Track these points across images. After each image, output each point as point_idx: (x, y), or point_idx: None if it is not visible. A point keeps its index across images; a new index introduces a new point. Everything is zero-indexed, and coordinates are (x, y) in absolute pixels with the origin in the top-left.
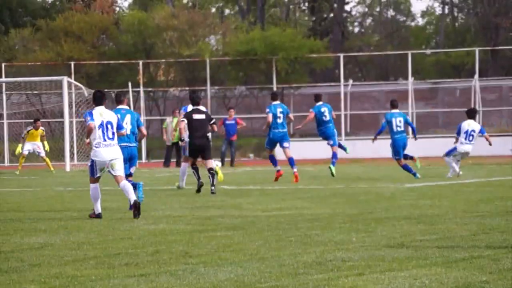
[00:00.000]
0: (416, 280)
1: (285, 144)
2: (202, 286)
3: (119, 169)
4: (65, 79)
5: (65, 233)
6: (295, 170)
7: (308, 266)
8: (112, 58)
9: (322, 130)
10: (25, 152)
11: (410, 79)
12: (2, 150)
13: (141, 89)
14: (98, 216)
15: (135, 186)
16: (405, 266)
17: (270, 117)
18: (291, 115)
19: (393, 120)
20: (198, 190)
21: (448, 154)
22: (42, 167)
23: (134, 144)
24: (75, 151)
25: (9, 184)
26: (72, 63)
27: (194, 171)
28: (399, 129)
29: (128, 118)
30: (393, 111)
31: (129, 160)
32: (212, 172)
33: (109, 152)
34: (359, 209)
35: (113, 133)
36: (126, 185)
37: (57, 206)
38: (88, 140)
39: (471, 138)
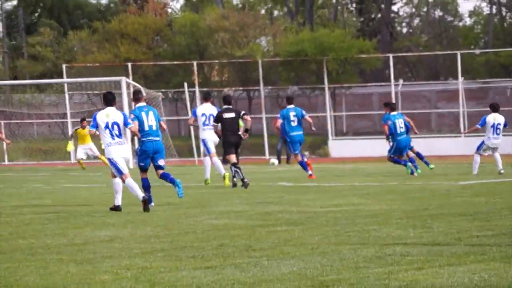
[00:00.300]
0: (475, 275)
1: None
2: (266, 278)
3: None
4: (123, 79)
5: (132, 226)
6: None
7: (368, 260)
8: (167, 59)
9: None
10: (80, 157)
11: (460, 79)
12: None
13: (197, 89)
14: (117, 208)
15: (174, 183)
16: (464, 261)
17: (279, 122)
18: (307, 117)
19: (396, 122)
20: (244, 186)
21: (478, 149)
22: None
23: (158, 138)
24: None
25: (77, 180)
26: (129, 64)
27: (237, 170)
28: (401, 130)
29: (151, 114)
30: (393, 113)
31: (154, 154)
32: (237, 166)
33: (120, 150)
34: (415, 206)
35: (119, 132)
36: (131, 183)
37: (123, 201)
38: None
39: (498, 131)
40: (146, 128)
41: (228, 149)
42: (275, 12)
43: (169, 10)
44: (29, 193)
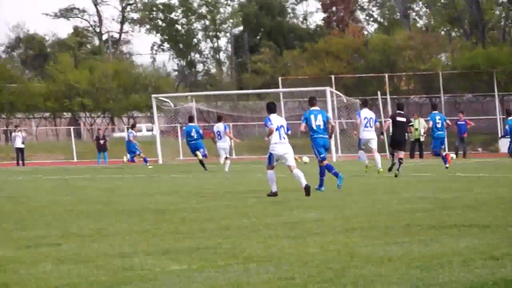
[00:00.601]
0: None
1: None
2: (446, 252)
3: (291, 160)
4: (327, 89)
5: (335, 209)
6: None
7: None
8: (363, 72)
9: None
10: None
11: None
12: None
13: (388, 96)
14: (275, 194)
15: (337, 175)
16: None
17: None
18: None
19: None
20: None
21: None
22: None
23: (326, 136)
24: (339, 145)
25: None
26: (333, 77)
27: (396, 161)
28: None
29: (319, 116)
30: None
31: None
32: (401, 161)
33: (283, 148)
34: None
35: (285, 134)
36: (298, 172)
37: (328, 188)
38: (267, 139)
39: None
40: (314, 127)
41: (393, 145)
42: (453, 33)
43: (365, 32)
44: (251, 182)
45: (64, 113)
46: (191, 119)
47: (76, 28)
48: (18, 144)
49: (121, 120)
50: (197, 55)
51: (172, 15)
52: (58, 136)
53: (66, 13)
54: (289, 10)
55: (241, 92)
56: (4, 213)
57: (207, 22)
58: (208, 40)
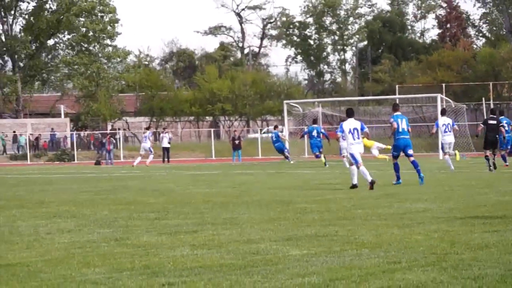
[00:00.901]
0: None
1: (409, 152)
2: None
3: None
4: (438, 96)
5: (439, 201)
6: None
7: None
8: (471, 80)
9: None
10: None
11: None
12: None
13: (491, 102)
14: (354, 186)
15: (419, 173)
16: None
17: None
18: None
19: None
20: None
21: None
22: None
23: (408, 137)
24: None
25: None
26: (443, 85)
27: (486, 161)
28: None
29: (403, 121)
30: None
31: (404, 147)
32: (493, 158)
33: (358, 148)
34: None
35: (358, 135)
36: (363, 169)
37: (433, 183)
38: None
39: None
40: (400, 129)
41: (486, 145)
42: None
43: (474, 46)
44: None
45: (206, 117)
46: (314, 121)
47: (222, 43)
48: (165, 144)
49: (255, 122)
50: (325, 66)
51: (306, 32)
52: (200, 137)
53: (215, 30)
54: (409, 27)
55: (362, 98)
56: (149, 204)
57: (336, 38)
58: (336, 53)
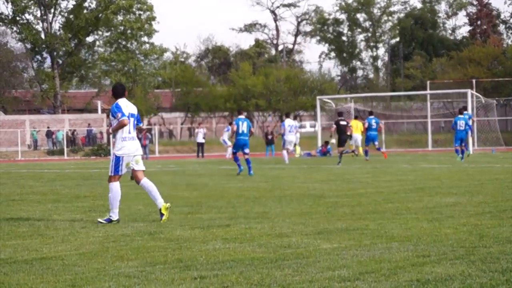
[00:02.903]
0: None
1: (246, 150)
2: None
3: None
4: (469, 91)
5: (469, 195)
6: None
7: None
8: (500, 76)
9: None
10: None
11: None
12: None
13: None
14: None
15: (249, 170)
16: None
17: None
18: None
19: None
20: None
21: None
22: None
23: (247, 138)
24: (476, 140)
25: (432, 161)
26: (474, 80)
27: None
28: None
29: (244, 123)
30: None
31: (243, 146)
32: None
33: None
34: None
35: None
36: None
37: (463, 177)
38: None
39: None
40: (240, 131)
41: None
42: None
43: (504, 43)
44: (398, 171)
45: None
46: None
47: (257, 40)
48: (200, 139)
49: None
50: (358, 63)
51: (340, 29)
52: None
53: (250, 27)
54: (440, 24)
55: (394, 94)
56: (182, 198)
57: (369, 35)
58: (369, 50)
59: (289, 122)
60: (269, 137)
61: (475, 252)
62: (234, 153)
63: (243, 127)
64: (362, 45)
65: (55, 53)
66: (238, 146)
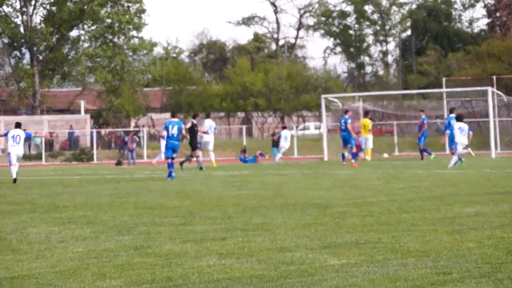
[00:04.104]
0: None
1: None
2: None
3: None
4: (489, 89)
5: (493, 204)
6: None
7: None
8: None
9: None
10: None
11: None
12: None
13: None
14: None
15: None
16: None
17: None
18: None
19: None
20: None
21: None
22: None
23: (177, 142)
24: (498, 143)
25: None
26: (494, 77)
27: None
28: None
29: (175, 127)
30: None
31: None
32: None
33: None
34: None
35: None
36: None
37: (485, 184)
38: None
39: None
40: (170, 134)
41: None
42: None
43: None
44: (412, 177)
45: (238, 113)
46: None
47: (256, 34)
48: None
49: (290, 118)
50: (366, 58)
51: (346, 21)
52: (231, 135)
53: (248, 20)
54: (456, 16)
55: (406, 92)
56: (173, 208)
57: (378, 27)
58: (378, 44)
59: (208, 122)
60: (275, 138)
61: (503, 269)
62: (167, 158)
63: (173, 130)
64: (370, 39)
65: (35, 49)
66: (169, 149)
